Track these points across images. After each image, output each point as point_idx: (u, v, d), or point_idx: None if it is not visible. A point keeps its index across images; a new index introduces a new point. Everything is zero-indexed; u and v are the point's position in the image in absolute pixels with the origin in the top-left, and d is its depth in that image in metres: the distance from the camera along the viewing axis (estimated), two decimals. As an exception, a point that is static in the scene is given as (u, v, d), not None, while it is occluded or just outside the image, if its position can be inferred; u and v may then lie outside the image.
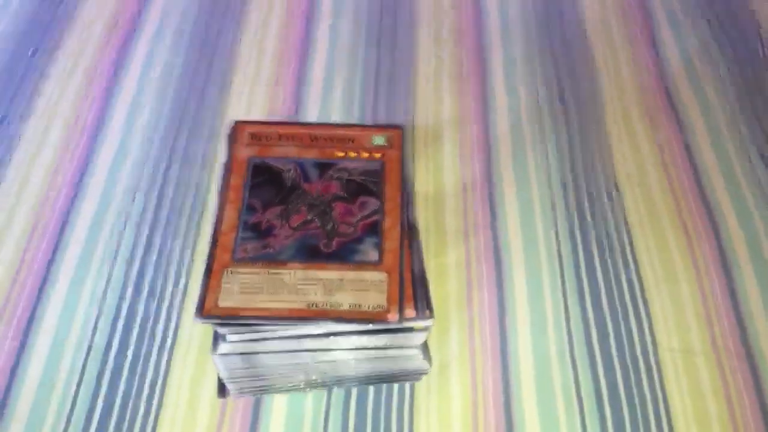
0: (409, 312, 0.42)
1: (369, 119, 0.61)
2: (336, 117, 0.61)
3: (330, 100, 0.63)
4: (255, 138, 0.50)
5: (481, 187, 0.57)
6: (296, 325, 0.41)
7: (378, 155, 0.50)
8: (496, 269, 0.52)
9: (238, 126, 0.51)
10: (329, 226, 0.45)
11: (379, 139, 0.51)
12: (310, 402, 0.46)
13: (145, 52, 0.67)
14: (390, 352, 0.43)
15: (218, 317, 0.40)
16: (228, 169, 0.48)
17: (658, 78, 0.64)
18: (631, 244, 0.53)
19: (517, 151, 0.59)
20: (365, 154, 0.50)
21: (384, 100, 0.63)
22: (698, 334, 0.49)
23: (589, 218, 0.55)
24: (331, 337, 0.42)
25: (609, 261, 0.52)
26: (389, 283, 0.43)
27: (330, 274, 0.43)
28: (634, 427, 0.45)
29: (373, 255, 0.44)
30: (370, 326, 0.41)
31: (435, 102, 0.63)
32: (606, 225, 0.54)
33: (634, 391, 0.46)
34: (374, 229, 0.45)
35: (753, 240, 0.53)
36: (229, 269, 0.43)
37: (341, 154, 0.50)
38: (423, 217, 0.55)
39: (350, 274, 0.43)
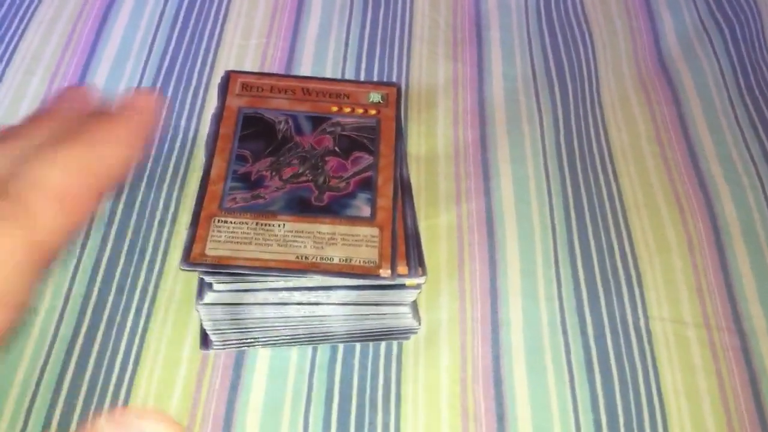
0: (402, 269, 0.41)
1: (361, 79, 0.60)
2: (328, 75, 0.60)
3: (323, 58, 0.61)
4: (247, 89, 0.49)
5: (474, 153, 0.56)
6: (286, 276, 0.40)
7: (373, 112, 0.48)
8: (488, 236, 0.51)
9: (231, 76, 0.49)
10: (321, 180, 0.44)
11: (375, 96, 0.49)
12: (295, 358, 0.45)
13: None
14: (380, 309, 0.42)
15: (206, 265, 0.39)
16: (218, 118, 0.47)
17: (654, 51, 0.64)
18: (624, 215, 0.53)
19: (512, 119, 0.58)
20: (360, 110, 0.49)
21: (377, 61, 0.61)
22: (689, 307, 0.48)
23: (583, 189, 0.54)
24: (321, 291, 0.41)
25: (602, 231, 0.52)
26: (381, 239, 0.41)
27: (321, 227, 0.42)
28: (624, 396, 0.45)
29: (366, 210, 0.43)
30: (362, 281, 0.40)
31: (429, 66, 0.62)
32: (600, 195, 0.54)
33: (625, 360, 0.46)
34: (367, 185, 0.44)
35: (746, 218, 0.53)
36: (217, 218, 0.41)
37: (335, 109, 0.48)
38: (415, 179, 0.53)
39: (342, 229, 0.42)
